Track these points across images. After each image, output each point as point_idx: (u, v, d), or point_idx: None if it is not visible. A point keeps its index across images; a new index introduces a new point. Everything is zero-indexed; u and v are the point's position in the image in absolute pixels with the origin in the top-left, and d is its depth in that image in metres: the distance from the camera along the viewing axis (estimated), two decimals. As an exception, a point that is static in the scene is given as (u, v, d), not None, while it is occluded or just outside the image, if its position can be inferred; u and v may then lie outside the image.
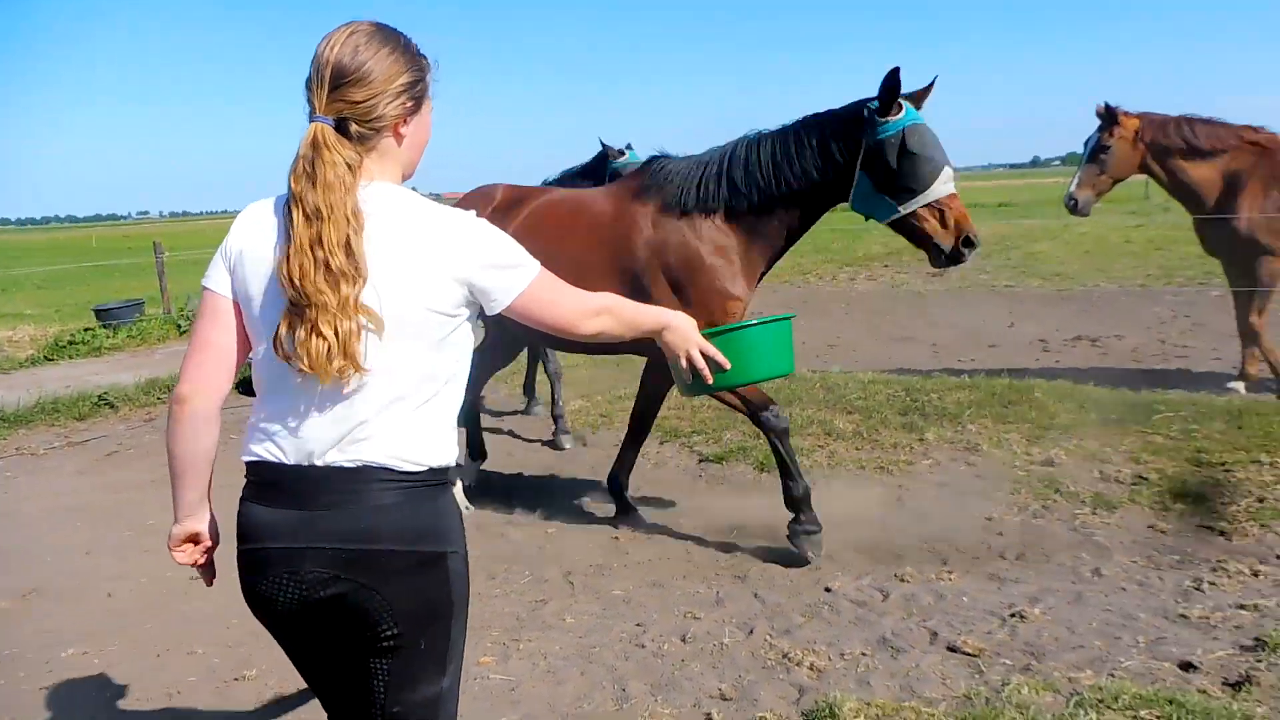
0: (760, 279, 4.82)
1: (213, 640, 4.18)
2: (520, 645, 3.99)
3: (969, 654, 3.64)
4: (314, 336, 1.76)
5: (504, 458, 6.77)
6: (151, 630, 4.35)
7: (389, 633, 1.90)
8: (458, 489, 5.37)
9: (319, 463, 1.85)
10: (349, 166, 1.83)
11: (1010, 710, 3.15)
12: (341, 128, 1.86)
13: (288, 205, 1.83)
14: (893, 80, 4.13)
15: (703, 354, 2.26)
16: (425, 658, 1.95)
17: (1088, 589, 4.17)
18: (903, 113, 4.18)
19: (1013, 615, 3.94)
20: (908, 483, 5.70)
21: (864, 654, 3.70)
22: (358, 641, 1.93)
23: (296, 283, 1.77)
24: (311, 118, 1.86)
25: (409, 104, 1.93)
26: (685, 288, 4.64)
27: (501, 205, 5.31)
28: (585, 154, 7.58)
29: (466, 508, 5.40)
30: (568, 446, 6.93)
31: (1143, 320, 11.04)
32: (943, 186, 4.23)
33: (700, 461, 6.38)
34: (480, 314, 2.01)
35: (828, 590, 4.34)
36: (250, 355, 1.95)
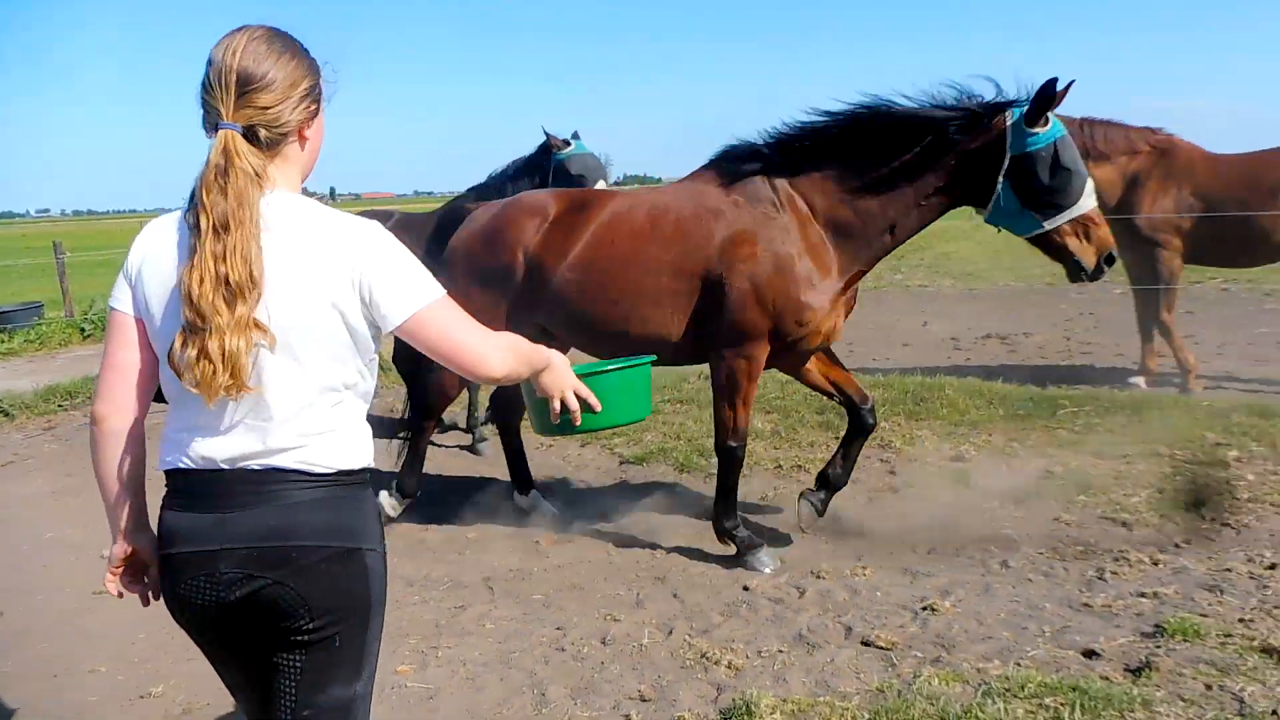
0: (852, 286, 4.58)
1: (116, 657, 4.03)
2: (439, 652, 3.94)
3: (882, 648, 3.71)
4: (202, 357, 1.75)
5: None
6: (49, 649, 4.19)
7: (306, 626, 1.90)
8: (384, 496, 5.27)
9: (227, 467, 1.86)
10: (256, 175, 1.82)
11: (921, 702, 3.21)
12: (250, 134, 1.84)
13: (193, 218, 1.80)
14: (1050, 91, 3.93)
15: (576, 394, 2.21)
16: (339, 656, 1.95)
17: (996, 581, 4.28)
18: (1050, 125, 4.00)
19: (924, 608, 4.02)
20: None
21: (781, 651, 3.75)
22: (274, 639, 1.92)
23: (195, 300, 1.75)
24: (218, 125, 1.83)
25: (311, 108, 1.94)
26: (765, 293, 4.31)
27: (563, 214, 4.76)
28: (528, 147, 6.92)
29: (393, 510, 5.30)
30: (486, 453, 6.86)
31: (1049, 318, 11.39)
32: (1087, 201, 4.10)
33: (621, 464, 6.39)
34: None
35: (746, 589, 4.38)
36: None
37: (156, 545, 1.95)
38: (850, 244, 4.37)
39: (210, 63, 1.85)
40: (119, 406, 1.92)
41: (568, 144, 6.65)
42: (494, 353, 2.00)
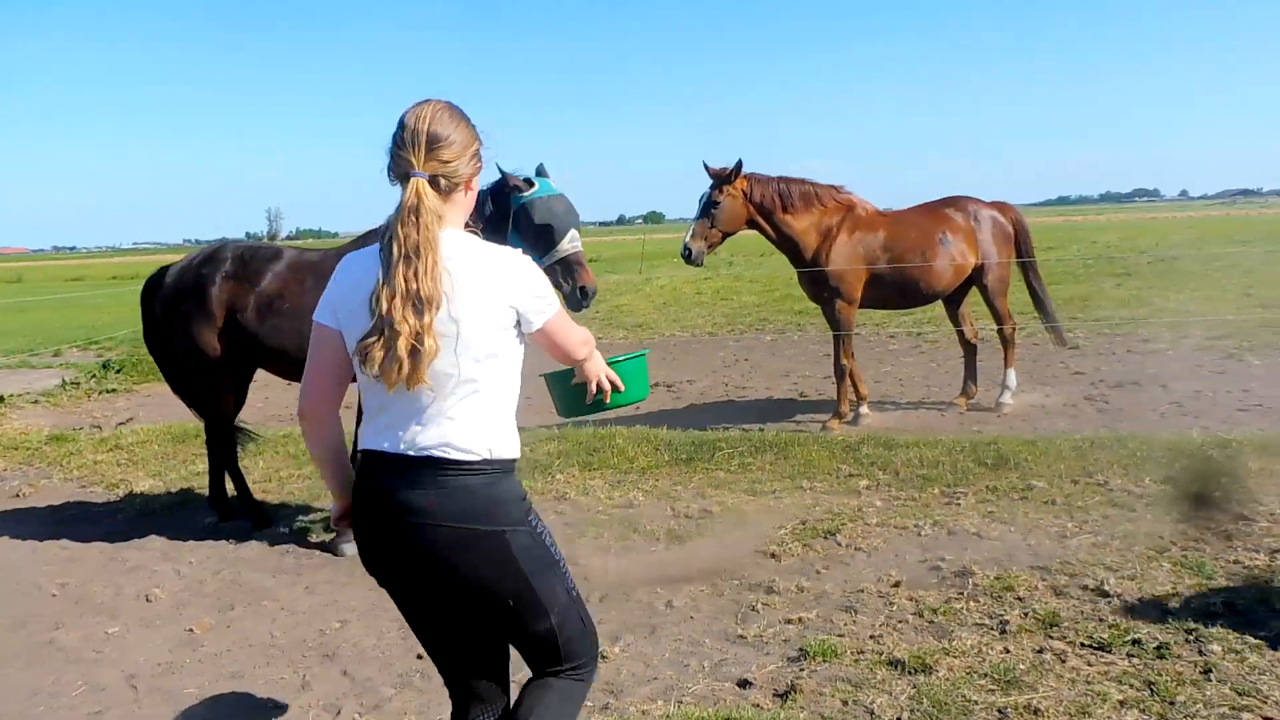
0: None
1: None
2: (68, 770, 3.52)
3: (555, 701, 3.75)
4: (388, 357, 2.17)
5: (57, 548, 5.97)
6: None
7: (466, 597, 2.33)
8: None
9: (409, 451, 2.27)
10: (438, 214, 2.25)
11: (589, 752, 3.28)
12: (433, 183, 2.27)
13: (386, 245, 2.23)
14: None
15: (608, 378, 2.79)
16: (513, 611, 2.36)
17: (661, 622, 4.48)
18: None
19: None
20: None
21: (454, 717, 3.69)
22: (449, 597, 2.34)
23: (387, 311, 2.17)
24: (409, 174, 2.26)
25: (477, 164, 2.40)
26: None
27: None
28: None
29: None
30: (349, 553, 5.64)
31: (710, 364, 12.20)
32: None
33: (292, 538, 6.05)
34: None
35: (420, 658, 4.27)
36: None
37: (356, 507, 2.39)
38: None
39: (403, 125, 2.29)
40: (322, 399, 2.41)
41: (530, 184, 5.22)
42: (584, 345, 2.64)
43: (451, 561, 2.27)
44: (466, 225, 2.45)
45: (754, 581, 4.89)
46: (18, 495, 7.29)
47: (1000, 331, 8.61)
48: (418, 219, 2.21)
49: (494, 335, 2.29)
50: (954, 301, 8.75)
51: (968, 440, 7.02)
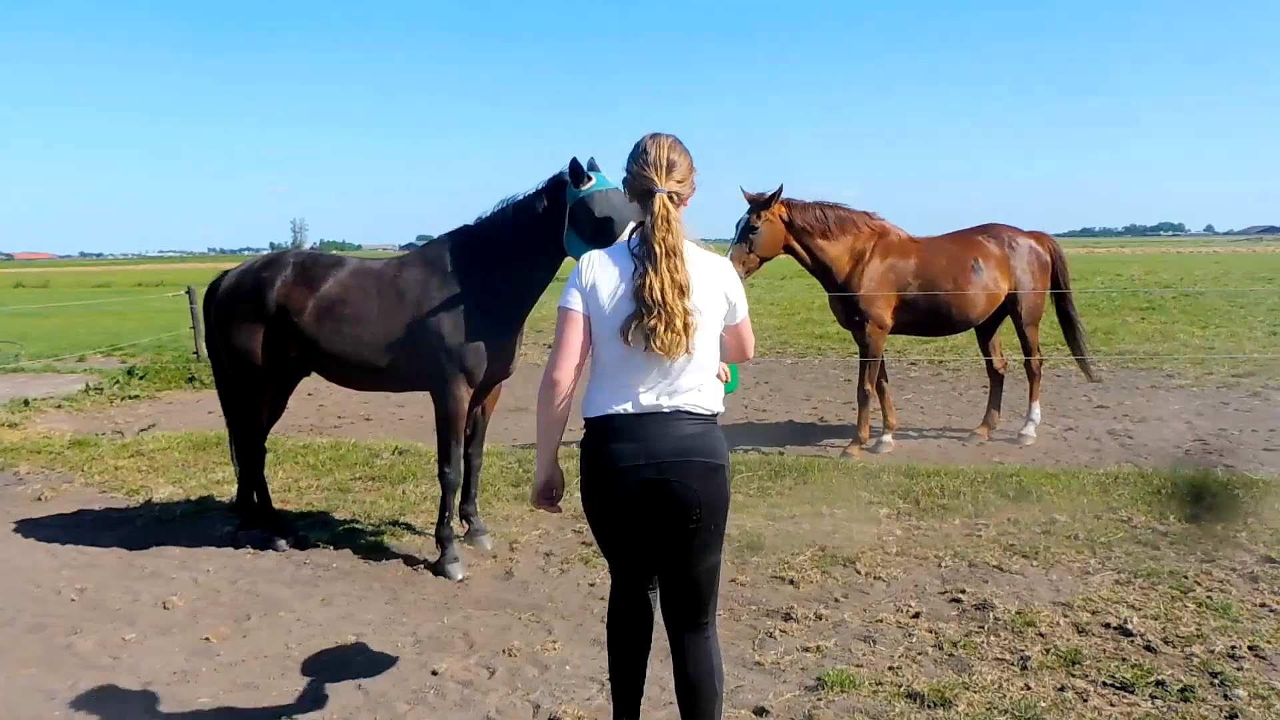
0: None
1: None
2: (82, 776, 3.51)
3: (568, 723, 3.74)
4: (669, 331, 2.76)
5: (76, 552, 6.00)
6: None
7: (696, 515, 2.87)
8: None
9: (650, 410, 2.85)
10: (679, 221, 2.88)
11: (604, 776, 3.25)
12: (670, 198, 2.87)
13: (642, 247, 2.85)
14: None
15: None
16: (710, 536, 2.94)
17: (678, 646, 4.45)
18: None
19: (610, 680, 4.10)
20: (518, 555, 5.79)
21: (468, 736, 3.67)
22: (683, 521, 2.88)
23: (659, 296, 2.76)
24: (653, 191, 2.87)
25: (694, 188, 3.01)
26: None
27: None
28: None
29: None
30: (489, 546, 5.96)
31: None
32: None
33: (308, 548, 6.05)
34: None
35: (434, 673, 4.26)
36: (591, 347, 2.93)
37: (599, 462, 2.89)
38: None
39: (645, 150, 2.92)
40: (569, 370, 2.89)
41: (588, 178, 5.12)
42: (753, 347, 3.23)
43: (695, 487, 2.84)
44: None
45: (771, 608, 4.86)
46: (40, 498, 7.34)
47: (1027, 363, 8.54)
48: (669, 225, 2.84)
49: (718, 320, 2.96)
50: (986, 330, 8.70)
51: (989, 471, 6.97)
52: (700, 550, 2.93)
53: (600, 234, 4.83)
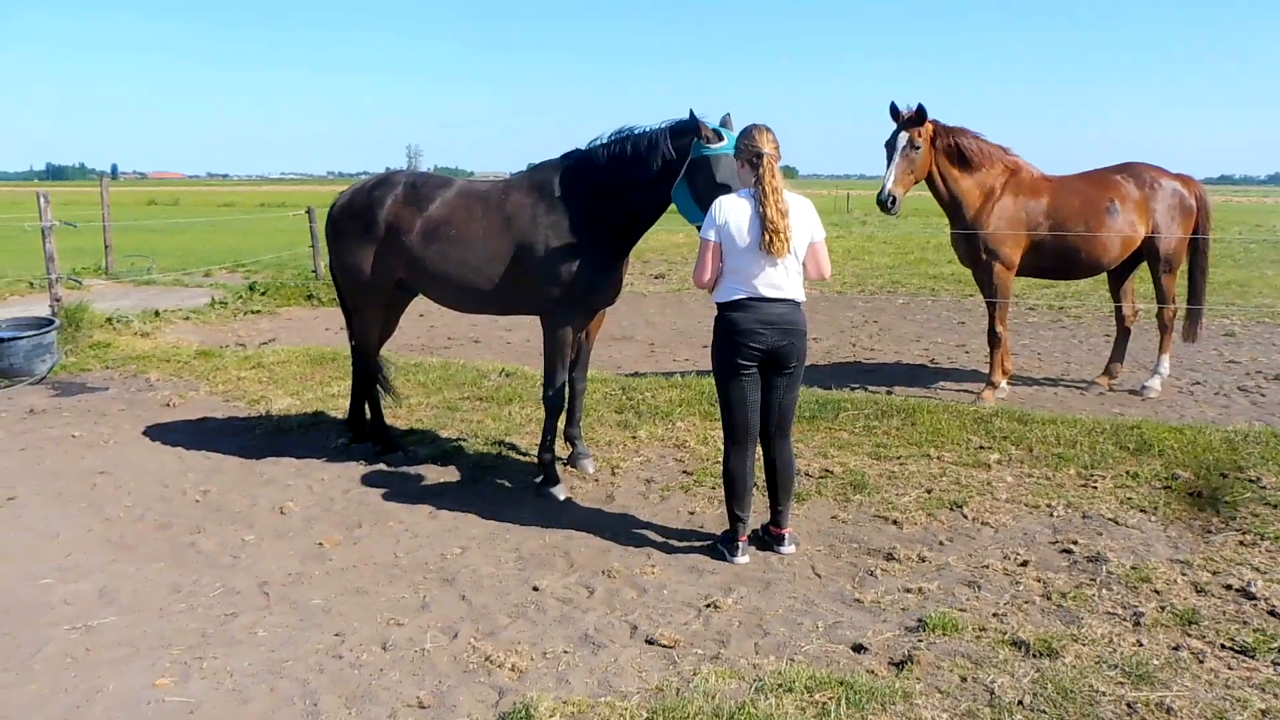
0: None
1: None
2: (204, 663, 3.70)
3: (665, 646, 3.77)
4: (779, 241, 4.27)
5: (201, 457, 6.29)
6: None
7: (793, 364, 4.49)
8: None
9: (771, 295, 4.38)
10: (779, 173, 4.38)
11: (698, 699, 3.27)
12: (771, 158, 4.35)
13: (759, 191, 4.31)
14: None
15: None
16: (797, 378, 4.60)
17: (776, 578, 4.44)
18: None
19: (708, 606, 4.12)
20: (619, 480, 5.83)
21: (565, 652, 3.74)
22: (783, 368, 4.48)
23: (773, 217, 4.27)
24: (761, 154, 4.33)
25: (780, 154, 4.44)
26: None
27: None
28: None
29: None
30: (591, 470, 6.04)
31: (837, 324, 11.96)
32: None
33: (416, 463, 6.22)
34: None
35: (535, 589, 4.35)
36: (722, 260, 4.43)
37: (731, 329, 4.40)
38: None
39: (752, 132, 4.41)
40: (706, 277, 4.46)
41: (720, 137, 4.91)
42: (828, 269, 4.64)
43: (794, 341, 4.42)
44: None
45: (873, 546, 4.79)
46: (169, 405, 7.70)
47: (1160, 314, 8.10)
48: (774, 175, 4.33)
49: (805, 236, 4.42)
50: (1119, 275, 8.25)
51: (1109, 422, 6.68)
52: (790, 387, 4.57)
53: (709, 195, 4.73)
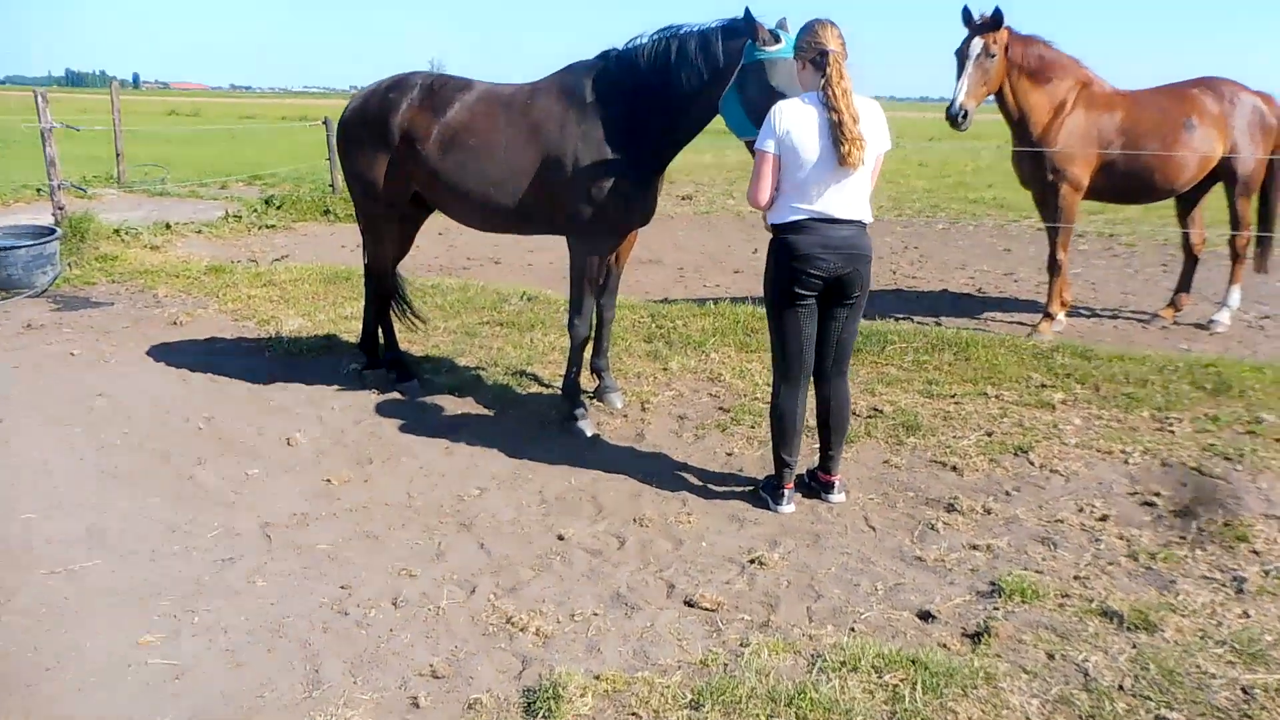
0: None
1: None
2: (195, 618, 3.34)
3: (707, 609, 3.37)
4: (855, 149, 3.73)
5: (206, 380, 5.90)
6: None
7: (855, 294, 4.00)
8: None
9: (837, 216, 3.86)
10: (847, 72, 3.81)
11: (750, 678, 2.87)
12: (839, 56, 3.79)
13: (826, 96, 3.74)
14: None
15: None
16: (859, 309, 4.12)
17: (826, 530, 4.02)
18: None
19: (752, 562, 3.71)
20: (650, 416, 5.40)
21: (595, 614, 3.35)
22: (839, 300, 4.00)
23: (847, 124, 3.71)
24: (826, 52, 3.76)
25: (847, 52, 3.86)
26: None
27: None
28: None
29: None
30: (620, 405, 5.59)
31: (875, 250, 11.35)
32: None
33: (432, 392, 5.80)
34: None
35: (560, 538, 3.95)
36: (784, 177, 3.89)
37: (790, 251, 3.88)
38: None
39: (814, 28, 3.82)
40: (764, 194, 3.91)
41: (777, 40, 4.36)
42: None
43: (859, 268, 3.92)
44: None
45: (932, 496, 4.36)
46: (175, 323, 7.31)
47: (1233, 240, 7.48)
48: (842, 75, 3.76)
49: (876, 144, 3.87)
50: (1190, 199, 7.60)
51: (1181, 359, 6.17)
52: (852, 318, 4.10)
53: (765, 104, 4.04)
